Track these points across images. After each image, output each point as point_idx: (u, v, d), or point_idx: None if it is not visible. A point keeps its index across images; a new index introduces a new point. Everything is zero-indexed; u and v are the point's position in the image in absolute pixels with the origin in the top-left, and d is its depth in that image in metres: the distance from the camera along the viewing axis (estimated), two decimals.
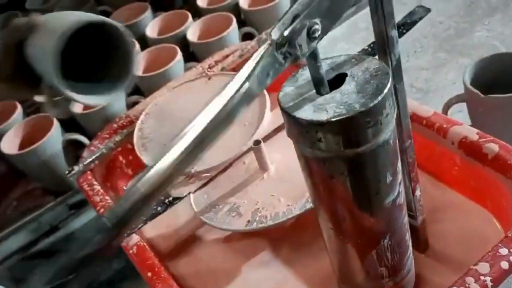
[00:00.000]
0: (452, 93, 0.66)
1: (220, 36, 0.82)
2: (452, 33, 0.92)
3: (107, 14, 1.03)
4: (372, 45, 0.60)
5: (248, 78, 0.26)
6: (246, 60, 0.64)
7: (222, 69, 0.65)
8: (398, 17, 0.56)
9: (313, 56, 0.29)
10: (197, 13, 0.93)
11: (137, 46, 0.87)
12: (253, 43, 0.67)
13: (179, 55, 0.81)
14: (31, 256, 1.03)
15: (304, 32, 0.27)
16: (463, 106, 0.66)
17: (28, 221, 0.85)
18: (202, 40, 0.85)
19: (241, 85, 0.26)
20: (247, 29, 0.88)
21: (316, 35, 0.27)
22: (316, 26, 0.27)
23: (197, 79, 0.63)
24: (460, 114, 0.68)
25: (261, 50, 0.26)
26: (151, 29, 0.92)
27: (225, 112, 0.26)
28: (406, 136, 0.37)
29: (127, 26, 0.94)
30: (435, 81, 0.82)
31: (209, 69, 0.66)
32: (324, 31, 0.27)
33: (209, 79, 0.63)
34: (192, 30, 0.87)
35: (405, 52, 0.90)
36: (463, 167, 0.47)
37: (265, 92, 0.57)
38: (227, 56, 0.67)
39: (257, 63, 0.26)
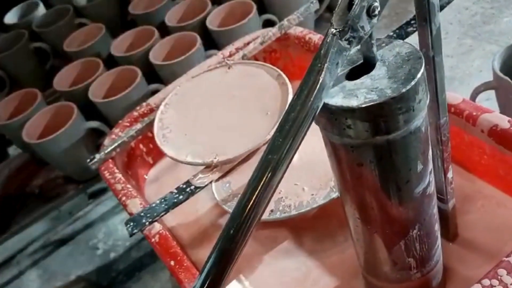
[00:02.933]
0: (479, 81, 0.64)
1: (241, 23, 0.81)
2: (478, 19, 0.89)
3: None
4: (397, 30, 0.58)
5: (319, 72, 0.26)
6: (268, 47, 0.63)
7: (243, 56, 0.64)
8: None
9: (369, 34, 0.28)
10: (217, 0, 0.93)
11: (157, 33, 0.87)
12: (274, 29, 0.66)
13: (199, 43, 0.80)
14: (51, 243, 1.05)
15: (364, 13, 0.26)
16: (490, 94, 0.64)
17: (49, 209, 0.85)
18: (222, 28, 0.84)
19: (315, 81, 0.26)
20: (267, 16, 0.87)
21: (376, 12, 0.27)
22: (375, 4, 0.26)
23: (217, 68, 0.63)
24: (487, 102, 0.66)
25: (327, 42, 0.26)
26: (171, 17, 0.91)
27: (305, 110, 0.26)
28: (442, 113, 0.35)
29: (147, 14, 0.95)
30: (460, 68, 0.81)
31: (229, 57, 0.65)
32: (382, 5, 0.27)
33: (228, 68, 0.62)
34: (212, 18, 0.86)
35: None
36: (492, 156, 0.45)
37: (287, 80, 0.56)
38: (248, 43, 0.66)
39: (325, 55, 0.26)
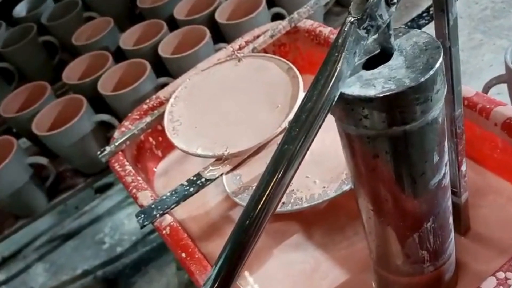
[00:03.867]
0: (489, 75, 0.63)
1: (250, 16, 0.80)
2: (489, 13, 0.88)
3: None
4: (409, 23, 0.58)
5: (337, 62, 0.26)
6: (278, 40, 0.62)
7: (253, 49, 0.64)
8: None
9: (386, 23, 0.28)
10: None
11: (165, 27, 0.87)
12: (284, 23, 0.65)
13: (208, 36, 0.80)
14: (58, 237, 1.05)
15: (383, 1, 0.26)
16: (502, 88, 0.63)
17: (56, 203, 0.85)
18: (231, 21, 0.83)
19: (333, 70, 0.25)
20: (276, 9, 0.87)
21: (395, 0, 0.26)
22: None
23: (227, 61, 0.62)
24: (498, 96, 0.66)
25: (344, 31, 0.26)
26: (179, 10, 0.91)
27: (322, 100, 0.25)
28: (458, 104, 0.35)
29: (155, 8, 0.94)
30: (471, 63, 0.80)
31: (239, 50, 0.65)
32: None
33: (238, 61, 0.62)
34: (221, 11, 0.86)
35: None
36: (505, 149, 0.45)
37: (298, 73, 0.55)
38: (257, 36, 0.66)
39: (343, 45, 0.26)
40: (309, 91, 0.26)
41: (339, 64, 0.26)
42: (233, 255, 0.25)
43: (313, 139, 0.26)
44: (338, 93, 0.26)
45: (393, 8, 0.27)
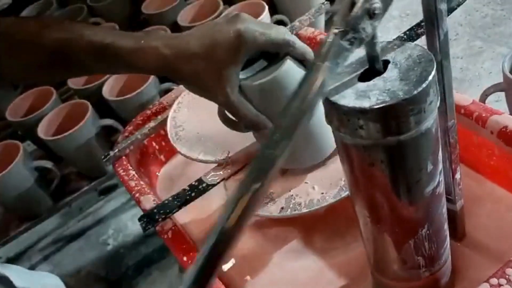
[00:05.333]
0: (489, 83, 0.64)
1: None
2: (489, 21, 0.89)
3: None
4: (407, 32, 0.59)
5: (319, 71, 0.26)
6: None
7: None
8: None
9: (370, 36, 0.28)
10: (229, 0, 0.93)
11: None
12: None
13: None
14: (62, 239, 1.06)
15: (366, 15, 0.27)
16: (500, 95, 0.64)
17: (60, 206, 0.87)
18: None
19: (315, 79, 0.26)
20: (279, 16, 0.88)
21: (377, 12, 0.27)
22: (377, 5, 0.27)
23: None
24: (496, 104, 0.67)
25: (328, 42, 0.27)
26: (183, 17, 0.92)
27: (305, 108, 0.26)
28: (450, 116, 0.36)
29: (159, 14, 0.96)
30: (470, 70, 0.81)
31: None
32: (385, 7, 0.27)
33: None
34: None
35: None
36: (502, 157, 0.46)
37: None
38: None
39: (326, 55, 0.26)
40: (292, 97, 0.26)
41: (321, 73, 0.26)
42: (212, 254, 0.24)
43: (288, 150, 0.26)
44: (320, 101, 0.27)
45: (376, 22, 0.27)
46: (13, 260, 1.07)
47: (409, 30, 0.57)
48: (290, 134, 0.25)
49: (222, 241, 0.24)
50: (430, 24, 0.32)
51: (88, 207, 1.10)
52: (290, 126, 0.25)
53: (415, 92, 0.27)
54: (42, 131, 0.79)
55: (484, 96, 0.62)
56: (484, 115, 0.45)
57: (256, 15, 0.83)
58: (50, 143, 0.78)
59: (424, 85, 0.28)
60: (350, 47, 0.27)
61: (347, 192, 0.45)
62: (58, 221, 1.10)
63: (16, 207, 0.82)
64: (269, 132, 0.26)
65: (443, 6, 0.31)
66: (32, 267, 1.04)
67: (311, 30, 0.66)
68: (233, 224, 0.24)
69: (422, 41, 0.50)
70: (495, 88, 0.62)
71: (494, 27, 0.87)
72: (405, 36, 0.58)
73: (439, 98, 0.30)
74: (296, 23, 0.66)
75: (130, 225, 1.03)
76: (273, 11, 0.89)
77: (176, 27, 0.90)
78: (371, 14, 0.27)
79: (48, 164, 0.81)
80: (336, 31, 0.27)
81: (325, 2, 0.68)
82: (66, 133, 0.75)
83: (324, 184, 0.47)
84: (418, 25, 0.56)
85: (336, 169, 0.47)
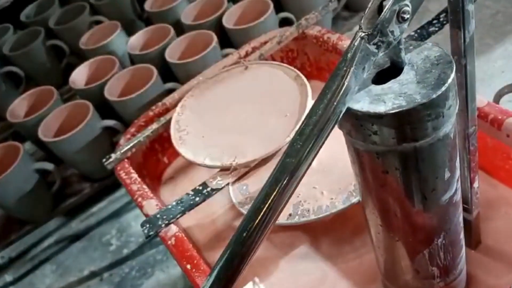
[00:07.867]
0: (501, 82, 0.62)
1: (257, 21, 0.80)
2: (500, 18, 0.87)
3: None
4: (418, 30, 0.57)
5: (345, 76, 0.25)
6: (285, 46, 0.61)
7: (260, 55, 0.63)
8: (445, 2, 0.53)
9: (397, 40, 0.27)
10: None
11: (173, 32, 0.87)
12: (292, 29, 0.65)
13: (215, 42, 0.79)
14: (65, 239, 1.05)
15: (395, 17, 0.25)
16: None
17: (62, 209, 0.86)
18: (239, 26, 0.83)
19: (339, 85, 0.25)
20: (284, 14, 0.86)
21: (407, 16, 0.26)
22: (407, 8, 0.25)
23: (233, 68, 0.62)
24: (510, 103, 0.65)
25: (354, 45, 0.25)
26: (186, 15, 0.91)
27: (328, 114, 0.25)
28: (471, 122, 0.34)
29: (162, 12, 0.94)
30: (482, 69, 0.79)
31: (246, 56, 0.65)
32: (414, 10, 0.26)
33: (245, 68, 0.61)
34: (228, 16, 0.86)
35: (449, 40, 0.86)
36: None
37: (306, 81, 0.55)
38: (265, 42, 0.65)
39: (352, 59, 0.25)
40: (315, 104, 0.25)
41: (347, 79, 0.25)
42: (229, 266, 0.25)
43: (316, 153, 0.25)
44: (345, 108, 0.26)
45: (405, 25, 0.26)
46: (15, 260, 1.06)
47: (420, 28, 0.55)
48: (312, 143, 0.24)
49: (240, 251, 0.24)
50: (455, 26, 0.30)
51: (90, 208, 1.09)
52: (312, 135, 0.24)
53: (434, 96, 0.26)
54: (43, 132, 0.78)
55: (498, 97, 0.60)
56: (500, 117, 0.43)
57: (262, 13, 0.82)
58: (51, 144, 0.77)
59: (443, 89, 0.26)
60: (377, 51, 0.25)
61: (357, 198, 0.43)
62: (61, 221, 1.09)
63: (17, 210, 0.81)
64: (291, 139, 0.25)
65: (470, 7, 0.29)
66: (34, 268, 1.03)
67: (318, 28, 0.65)
68: (251, 235, 0.24)
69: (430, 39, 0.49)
70: (509, 89, 0.60)
71: (506, 24, 0.85)
72: (416, 35, 0.56)
73: (458, 102, 0.28)
74: (303, 21, 0.65)
75: (134, 225, 1.02)
76: (278, 8, 0.87)
77: (179, 26, 0.89)
78: (399, 16, 0.25)
79: (49, 166, 0.79)
80: (363, 34, 0.25)
81: (333, 0, 0.66)
82: (67, 135, 0.74)
83: (333, 189, 0.45)
84: (429, 23, 0.55)
85: (345, 172, 0.45)
